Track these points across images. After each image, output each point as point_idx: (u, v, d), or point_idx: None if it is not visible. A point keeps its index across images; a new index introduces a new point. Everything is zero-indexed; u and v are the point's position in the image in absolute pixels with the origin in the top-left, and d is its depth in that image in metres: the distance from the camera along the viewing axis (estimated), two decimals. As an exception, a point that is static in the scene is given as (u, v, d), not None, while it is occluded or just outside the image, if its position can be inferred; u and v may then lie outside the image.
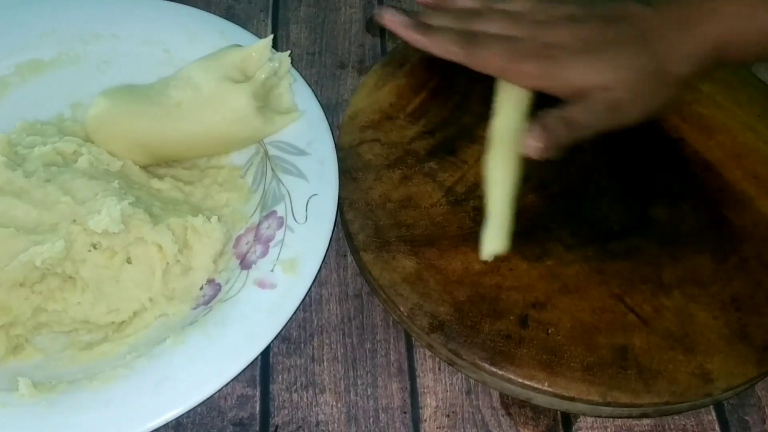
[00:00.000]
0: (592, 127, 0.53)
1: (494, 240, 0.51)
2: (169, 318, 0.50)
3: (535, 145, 0.51)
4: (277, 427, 0.48)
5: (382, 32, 0.68)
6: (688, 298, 0.50)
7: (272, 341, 0.47)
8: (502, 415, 0.49)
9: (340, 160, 0.54)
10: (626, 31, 0.54)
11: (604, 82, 0.53)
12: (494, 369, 0.47)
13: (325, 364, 0.51)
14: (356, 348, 0.51)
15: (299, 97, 0.57)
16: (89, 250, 0.49)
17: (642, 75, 0.53)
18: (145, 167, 0.56)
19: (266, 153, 0.55)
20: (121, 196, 0.49)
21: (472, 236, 0.52)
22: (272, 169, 0.55)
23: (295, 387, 0.50)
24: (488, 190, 0.53)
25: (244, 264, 0.51)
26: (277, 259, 0.50)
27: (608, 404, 0.46)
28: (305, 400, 0.49)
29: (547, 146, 0.51)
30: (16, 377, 0.45)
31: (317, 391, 0.50)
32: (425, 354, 0.51)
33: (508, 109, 0.56)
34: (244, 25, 0.63)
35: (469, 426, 0.48)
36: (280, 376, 0.50)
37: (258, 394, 0.50)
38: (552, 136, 0.51)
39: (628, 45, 0.53)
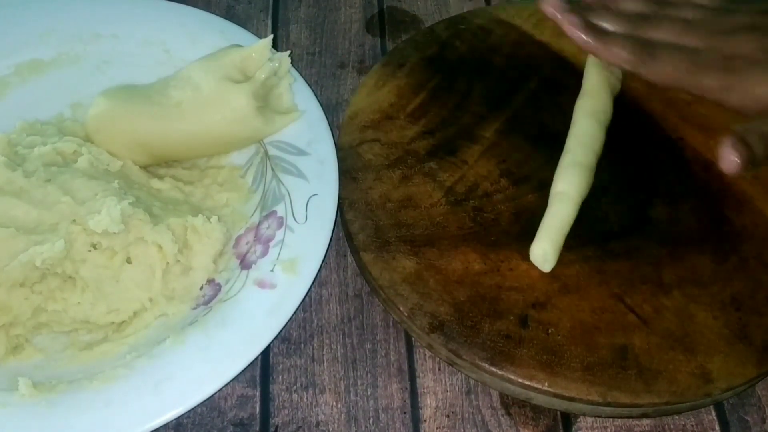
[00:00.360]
0: None
1: (543, 251, 0.50)
2: (169, 318, 0.50)
3: (732, 160, 0.49)
4: (277, 427, 0.48)
5: (382, 32, 0.68)
6: (688, 298, 0.50)
7: (272, 341, 0.47)
8: (502, 415, 0.49)
9: (340, 160, 0.54)
10: None
11: None
12: (494, 369, 0.47)
13: (325, 364, 0.51)
14: (356, 348, 0.51)
15: (299, 97, 0.57)
16: (89, 250, 0.49)
17: None
18: (145, 167, 0.56)
19: (266, 153, 0.55)
20: (121, 196, 0.49)
21: (472, 236, 0.52)
22: (272, 169, 0.55)
23: (295, 387, 0.50)
24: (552, 201, 0.52)
25: (244, 264, 0.51)
26: (277, 259, 0.50)
27: (608, 404, 0.46)
28: (305, 400, 0.49)
29: (743, 162, 0.49)
30: (16, 377, 0.45)
31: (317, 391, 0.50)
32: (425, 354, 0.51)
33: (589, 120, 0.55)
34: (244, 25, 0.63)
35: (469, 426, 0.48)
36: (280, 377, 0.50)
37: (258, 394, 0.50)
38: (749, 152, 0.49)
39: None
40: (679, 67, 0.52)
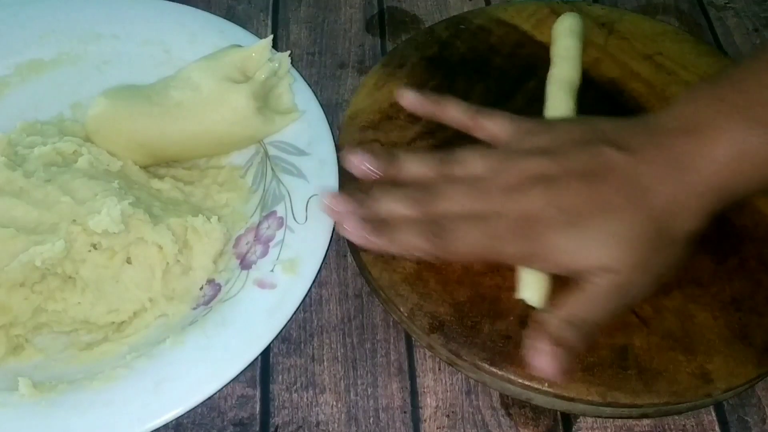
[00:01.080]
0: (603, 319, 0.46)
1: (531, 289, 0.48)
2: (169, 318, 0.50)
3: (553, 367, 0.44)
4: (277, 427, 0.48)
5: (382, 32, 0.68)
6: (688, 299, 0.49)
7: (272, 341, 0.47)
8: (502, 416, 0.49)
9: (340, 161, 0.54)
10: (613, 193, 0.46)
11: (603, 263, 0.45)
12: (494, 369, 0.47)
13: (325, 364, 0.51)
14: (356, 348, 0.51)
15: (299, 97, 0.57)
16: (89, 250, 0.49)
17: (643, 245, 0.46)
18: (145, 167, 0.56)
19: (266, 153, 0.55)
20: (121, 197, 0.49)
21: (472, 236, 0.52)
22: (272, 169, 0.55)
23: (295, 387, 0.50)
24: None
25: (244, 264, 0.51)
26: (277, 259, 0.50)
27: (608, 404, 0.46)
28: (305, 400, 0.49)
29: (561, 363, 0.44)
30: (16, 377, 0.45)
31: (317, 391, 0.49)
32: (425, 354, 0.51)
33: (559, 92, 0.55)
34: (244, 25, 0.63)
35: (469, 426, 0.48)
36: (280, 377, 0.50)
37: (258, 394, 0.50)
38: (568, 348, 0.45)
39: (618, 211, 0.46)
40: (475, 242, 0.47)
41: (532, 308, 0.49)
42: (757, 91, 0.47)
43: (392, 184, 0.50)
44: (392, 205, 0.48)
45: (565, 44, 0.60)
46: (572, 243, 0.46)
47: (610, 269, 0.45)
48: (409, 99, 0.55)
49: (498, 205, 0.47)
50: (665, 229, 0.46)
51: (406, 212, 0.48)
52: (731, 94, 0.48)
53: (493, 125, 0.52)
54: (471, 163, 0.50)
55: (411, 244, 0.47)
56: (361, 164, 0.51)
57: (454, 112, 0.54)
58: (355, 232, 0.47)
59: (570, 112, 0.56)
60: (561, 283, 0.48)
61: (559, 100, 0.57)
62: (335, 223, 0.50)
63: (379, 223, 0.47)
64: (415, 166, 0.51)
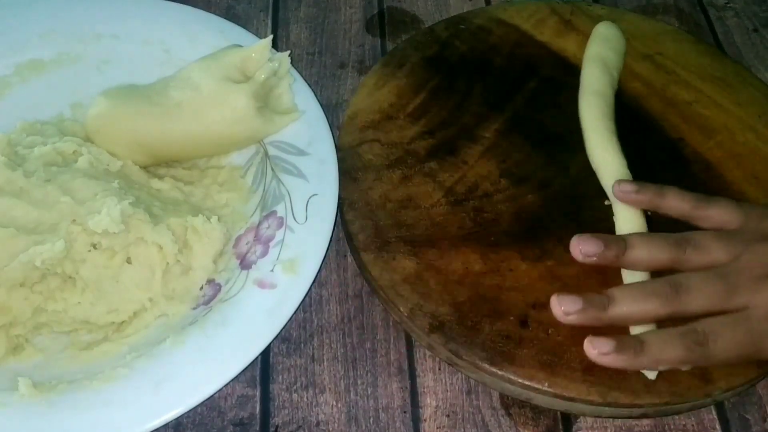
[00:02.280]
0: None
1: None
2: (169, 318, 0.50)
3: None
4: (277, 427, 0.48)
5: (382, 32, 0.68)
6: (688, 298, 0.49)
7: (272, 341, 0.47)
8: (502, 416, 0.49)
9: (340, 161, 0.54)
10: None
11: None
12: (494, 369, 0.47)
13: (325, 364, 0.51)
14: (356, 348, 0.51)
15: (299, 97, 0.57)
16: (89, 250, 0.49)
17: None
18: (145, 167, 0.56)
19: (266, 153, 0.55)
20: (121, 196, 0.49)
21: (472, 237, 0.52)
22: (272, 169, 0.55)
23: (295, 387, 0.50)
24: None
25: (244, 264, 0.51)
26: (277, 259, 0.50)
27: (608, 404, 0.46)
28: (305, 400, 0.49)
29: None
30: (16, 377, 0.45)
31: (317, 391, 0.49)
32: (425, 354, 0.51)
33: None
34: (244, 25, 0.63)
35: (469, 426, 0.48)
36: (281, 376, 0.50)
37: (258, 394, 0.50)
38: None
39: None
40: (740, 345, 0.45)
41: (532, 309, 0.49)
42: None
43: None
44: (634, 304, 0.46)
45: (601, 55, 0.60)
46: None
47: None
48: (627, 190, 0.52)
49: (751, 298, 0.46)
50: None
51: (650, 310, 0.46)
52: None
53: (721, 213, 0.50)
54: (711, 249, 0.48)
55: (669, 358, 0.45)
56: (587, 249, 0.49)
57: (675, 202, 0.51)
58: (603, 351, 0.45)
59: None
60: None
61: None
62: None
63: (628, 339, 0.46)
64: (647, 250, 0.49)
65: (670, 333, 0.46)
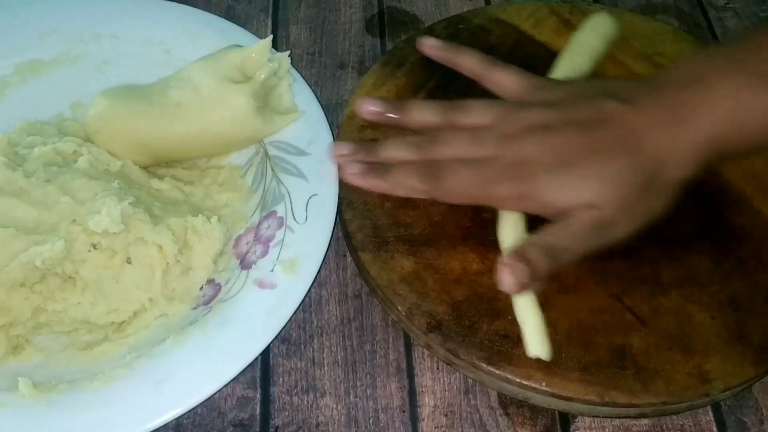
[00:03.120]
0: (578, 252, 0.48)
1: (537, 344, 0.47)
2: (169, 318, 0.50)
3: (509, 279, 0.46)
4: (277, 428, 0.48)
5: (382, 32, 0.68)
6: (686, 299, 0.50)
7: (272, 342, 0.47)
8: (500, 415, 0.49)
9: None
10: (607, 137, 0.48)
11: (588, 199, 0.47)
12: (492, 369, 0.47)
13: (325, 368, 0.51)
14: (356, 350, 0.51)
15: (299, 97, 0.57)
16: (89, 250, 0.49)
17: (630, 186, 0.47)
18: (145, 167, 0.56)
19: (266, 153, 0.56)
20: (121, 197, 0.49)
21: (470, 236, 0.52)
22: (272, 169, 0.55)
23: (295, 390, 0.50)
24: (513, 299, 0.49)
25: (244, 264, 0.51)
26: (277, 259, 0.50)
27: (606, 404, 0.46)
28: (305, 402, 0.49)
29: (527, 280, 0.46)
30: (16, 377, 0.45)
31: (318, 395, 0.49)
32: (423, 353, 0.51)
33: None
34: (244, 25, 0.63)
35: (467, 425, 0.49)
36: (281, 379, 0.50)
37: (258, 395, 0.50)
38: (533, 269, 0.46)
39: (610, 154, 0.48)
40: (469, 183, 0.49)
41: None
42: (758, 48, 0.49)
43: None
44: (393, 150, 0.52)
45: (582, 39, 0.61)
46: (561, 181, 0.48)
47: (593, 205, 0.47)
48: (430, 44, 0.58)
49: (494, 150, 0.50)
50: (655, 174, 0.47)
51: (406, 156, 0.52)
52: (733, 50, 0.50)
53: (506, 78, 0.55)
54: (476, 113, 0.52)
55: (406, 184, 0.51)
56: (371, 108, 0.54)
57: (469, 61, 0.57)
58: (353, 173, 0.51)
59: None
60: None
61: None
62: (337, 168, 0.53)
63: (377, 165, 0.51)
64: (422, 113, 0.54)
65: (413, 165, 0.51)
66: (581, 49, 0.60)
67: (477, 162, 0.50)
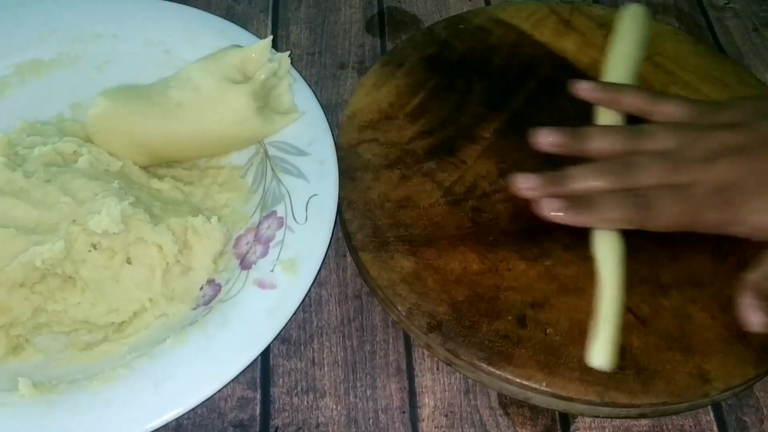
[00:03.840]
0: None
1: (603, 354, 0.47)
2: (169, 318, 0.50)
3: (760, 321, 0.47)
4: (277, 428, 0.48)
5: (382, 32, 0.68)
6: (686, 299, 0.50)
7: (272, 342, 0.47)
8: (500, 415, 0.49)
9: (339, 160, 0.54)
10: None
11: None
12: (492, 369, 0.47)
13: (325, 369, 0.51)
14: (356, 350, 0.51)
15: (299, 97, 0.57)
16: (89, 251, 0.49)
17: None
18: (145, 167, 0.56)
19: (266, 153, 0.56)
20: (121, 197, 0.49)
21: (470, 236, 0.52)
22: (272, 170, 0.55)
23: (295, 391, 0.50)
24: (601, 293, 0.49)
25: (244, 264, 0.51)
26: (277, 259, 0.50)
27: (606, 404, 0.46)
28: (305, 403, 0.49)
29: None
30: (16, 377, 0.45)
31: (318, 395, 0.49)
32: (423, 353, 0.51)
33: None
34: (244, 25, 0.63)
35: (467, 426, 0.49)
36: (281, 380, 0.50)
37: (258, 396, 0.50)
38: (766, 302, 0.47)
39: None
40: (678, 211, 0.50)
41: (530, 308, 0.49)
42: None
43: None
44: (586, 179, 0.51)
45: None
46: None
47: None
48: (586, 88, 0.57)
49: (694, 175, 0.50)
50: None
51: (602, 185, 0.51)
52: None
53: (674, 108, 0.54)
54: (662, 137, 0.52)
55: (614, 216, 0.50)
56: (552, 139, 0.53)
57: (632, 99, 0.56)
58: (554, 210, 0.50)
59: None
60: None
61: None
62: (534, 202, 0.51)
63: (577, 199, 0.50)
64: (603, 140, 0.53)
65: (618, 196, 0.50)
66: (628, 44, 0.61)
67: (681, 188, 0.50)
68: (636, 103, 0.56)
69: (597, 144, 0.53)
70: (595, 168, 0.52)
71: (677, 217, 0.50)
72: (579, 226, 0.51)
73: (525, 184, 0.51)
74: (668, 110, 0.55)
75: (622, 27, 0.63)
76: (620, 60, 0.60)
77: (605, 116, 0.57)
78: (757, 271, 0.49)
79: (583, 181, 0.51)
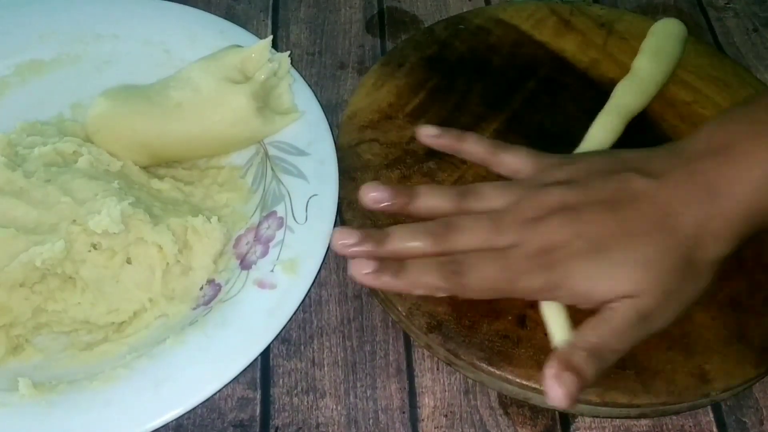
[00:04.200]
0: (625, 349, 0.45)
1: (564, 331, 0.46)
2: (169, 318, 0.50)
3: (560, 393, 0.42)
4: (277, 428, 0.48)
5: (382, 32, 0.68)
6: (686, 299, 0.50)
7: (272, 342, 0.47)
8: (500, 415, 0.49)
9: (339, 160, 0.54)
10: (637, 217, 0.45)
11: (626, 289, 0.44)
12: (492, 369, 0.47)
13: (325, 369, 0.50)
14: (356, 351, 0.51)
15: (299, 97, 0.57)
16: (89, 251, 0.49)
17: (669, 270, 0.44)
18: (145, 167, 0.56)
19: (266, 153, 0.56)
20: (121, 197, 0.49)
21: (471, 237, 0.52)
22: (272, 170, 0.55)
23: (295, 391, 0.50)
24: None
25: (244, 264, 0.51)
26: (277, 259, 0.50)
27: (606, 404, 0.46)
28: (305, 403, 0.49)
29: (576, 391, 0.42)
30: (16, 377, 0.45)
31: (318, 396, 0.49)
32: (423, 354, 0.51)
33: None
34: (244, 25, 0.63)
35: (467, 426, 0.49)
36: (281, 380, 0.50)
37: (258, 396, 0.50)
38: (582, 378, 0.43)
39: (644, 235, 0.45)
40: (494, 277, 0.46)
41: (530, 308, 0.49)
42: None
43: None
44: (405, 240, 0.47)
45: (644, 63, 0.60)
46: (595, 270, 0.45)
47: (633, 295, 0.44)
48: (428, 134, 0.54)
49: (516, 237, 0.46)
50: (692, 254, 0.45)
51: (420, 247, 0.47)
52: (756, 112, 0.47)
53: (514, 160, 0.51)
54: (490, 197, 0.49)
55: (425, 282, 0.46)
56: (376, 196, 0.50)
57: (473, 147, 0.53)
58: (365, 273, 0.46)
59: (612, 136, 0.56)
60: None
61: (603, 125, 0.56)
62: (347, 261, 0.48)
63: (390, 262, 0.46)
64: (432, 199, 0.50)
65: (431, 260, 0.47)
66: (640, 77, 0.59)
67: (500, 252, 0.46)
68: (477, 151, 0.53)
69: (425, 203, 0.50)
70: (414, 228, 0.48)
71: (492, 283, 0.46)
72: (391, 291, 0.48)
73: (342, 240, 0.47)
74: (509, 161, 0.52)
75: (652, 43, 0.61)
76: (641, 78, 0.59)
77: (601, 126, 0.56)
78: (577, 343, 0.44)
79: (402, 241, 0.47)
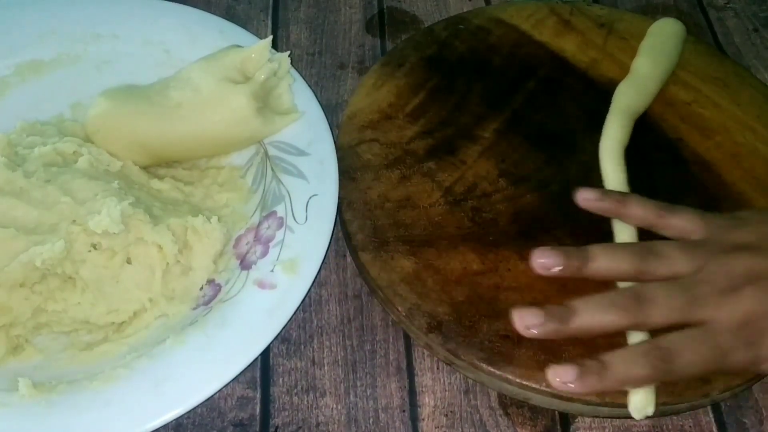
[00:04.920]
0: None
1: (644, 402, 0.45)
2: (169, 318, 0.50)
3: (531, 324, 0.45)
4: (277, 428, 0.48)
5: (382, 32, 0.68)
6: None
7: (272, 342, 0.47)
8: (500, 415, 0.49)
9: (339, 160, 0.54)
10: None
11: None
12: (492, 369, 0.47)
13: (325, 368, 0.51)
14: (356, 350, 0.51)
15: (299, 97, 0.57)
16: (89, 251, 0.49)
17: None
18: (145, 167, 0.56)
19: (266, 153, 0.56)
20: (121, 197, 0.49)
21: (470, 236, 0.52)
22: (272, 170, 0.55)
23: (295, 390, 0.50)
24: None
25: (244, 264, 0.51)
26: (277, 259, 0.50)
27: (606, 404, 0.46)
28: (305, 402, 0.49)
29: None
30: (16, 378, 0.45)
31: (318, 395, 0.50)
32: (423, 353, 0.51)
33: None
34: (244, 25, 0.63)
35: (467, 426, 0.49)
36: (281, 379, 0.50)
37: (258, 395, 0.50)
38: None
39: None
40: (704, 360, 0.45)
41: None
42: None
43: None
44: (596, 315, 0.46)
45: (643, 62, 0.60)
46: None
47: None
48: (587, 197, 0.51)
49: (714, 311, 0.45)
50: None
51: (613, 322, 0.45)
52: None
53: (684, 223, 0.50)
54: (674, 260, 0.47)
55: (634, 377, 0.44)
56: (545, 262, 0.48)
57: (638, 211, 0.51)
58: (568, 382, 0.44)
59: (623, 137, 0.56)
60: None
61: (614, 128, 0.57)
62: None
63: (589, 363, 0.44)
64: (609, 261, 0.48)
65: (634, 352, 0.45)
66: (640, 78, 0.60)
67: (701, 330, 0.45)
68: (643, 214, 0.51)
69: (602, 266, 0.48)
70: (600, 302, 0.46)
71: (702, 365, 0.45)
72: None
73: (526, 322, 0.46)
74: (678, 224, 0.50)
75: (651, 43, 0.61)
76: (638, 81, 0.59)
77: (617, 124, 0.56)
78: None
79: (589, 317, 0.46)
